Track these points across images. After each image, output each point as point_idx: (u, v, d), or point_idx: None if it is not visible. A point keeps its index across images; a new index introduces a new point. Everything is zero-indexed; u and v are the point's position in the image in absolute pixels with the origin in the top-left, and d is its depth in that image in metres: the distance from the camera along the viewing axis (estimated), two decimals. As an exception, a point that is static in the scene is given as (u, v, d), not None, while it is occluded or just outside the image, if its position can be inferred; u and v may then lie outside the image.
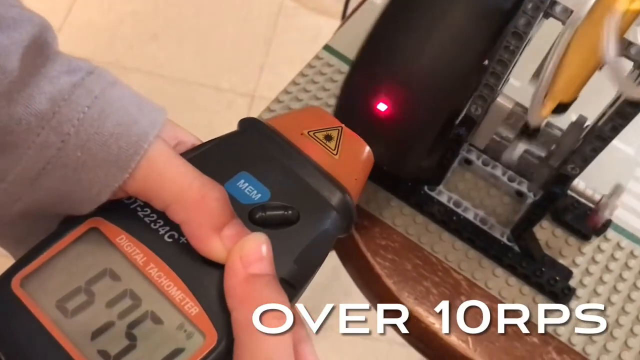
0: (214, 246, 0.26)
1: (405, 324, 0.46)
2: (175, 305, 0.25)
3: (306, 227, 0.28)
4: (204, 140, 0.32)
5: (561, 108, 0.38)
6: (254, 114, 0.36)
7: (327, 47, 0.55)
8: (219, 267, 0.26)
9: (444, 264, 0.47)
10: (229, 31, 1.24)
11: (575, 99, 0.37)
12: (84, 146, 0.25)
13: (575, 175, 0.40)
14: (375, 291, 0.48)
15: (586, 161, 0.39)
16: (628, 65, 0.34)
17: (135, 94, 0.27)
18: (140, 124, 0.26)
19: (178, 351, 0.25)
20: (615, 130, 0.36)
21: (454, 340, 0.45)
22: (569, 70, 0.35)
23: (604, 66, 0.34)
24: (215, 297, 0.26)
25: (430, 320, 0.45)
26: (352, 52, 0.55)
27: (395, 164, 0.44)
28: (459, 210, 0.49)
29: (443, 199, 0.49)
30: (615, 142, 0.53)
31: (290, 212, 0.28)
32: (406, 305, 0.46)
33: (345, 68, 0.55)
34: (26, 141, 0.25)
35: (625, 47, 0.33)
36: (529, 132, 0.41)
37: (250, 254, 0.26)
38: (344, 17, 0.77)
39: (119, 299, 0.26)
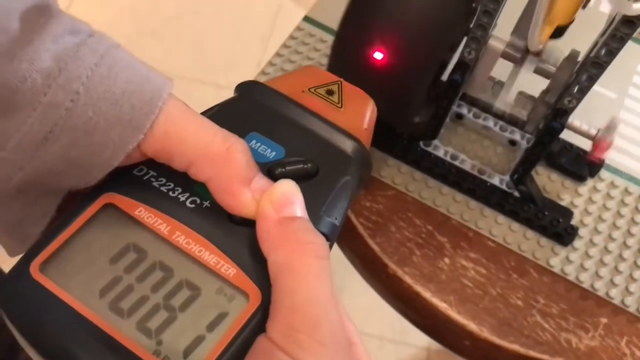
0: (245, 200, 0.25)
1: (386, 283, 0.46)
2: (211, 270, 0.24)
3: (327, 178, 0.28)
4: None
5: (558, 32, 0.38)
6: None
7: (307, 18, 0.55)
8: (250, 224, 0.25)
9: (427, 227, 0.47)
10: (228, 29, 1.23)
11: (571, 21, 0.38)
12: (95, 105, 0.24)
13: (573, 108, 0.41)
14: (358, 252, 0.47)
15: (582, 92, 0.40)
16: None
17: (139, 60, 0.26)
18: (153, 81, 0.25)
19: (222, 316, 0.23)
20: (611, 54, 0.37)
21: (435, 301, 0.45)
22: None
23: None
24: (251, 254, 0.24)
25: (412, 280, 0.45)
26: (332, 21, 0.55)
27: (395, 114, 0.44)
28: (457, 163, 0.49)
29: (439, 153, 0.49)
30: (599, 88, 0.55)
31: (309, 165, 0.27)
32: (388, 266, 0.45)
33: (327, 37, 0.55)
34: (32, 101, 0.23)
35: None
36: (527, 66, 0.42)
37: (281, 198, 0.25)
38: None
39: (149, 272, 0.24)
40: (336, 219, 0.27)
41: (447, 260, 0.46)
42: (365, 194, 0.48)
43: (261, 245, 0.24)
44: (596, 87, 0.55)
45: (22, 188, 0.25)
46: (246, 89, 0.30)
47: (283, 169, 0.27)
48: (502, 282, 0.46)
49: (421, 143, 0.49)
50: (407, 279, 0.45)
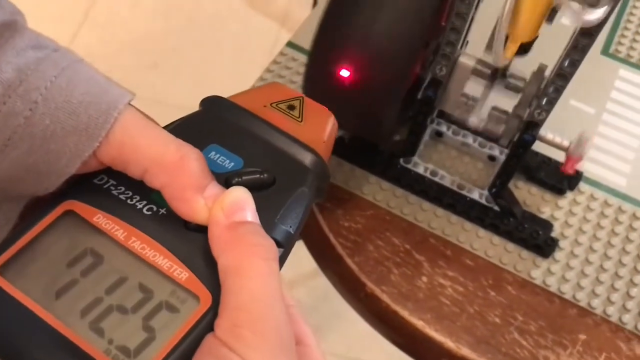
0: (197, 207, 0.26)
1: (364, 302, 0.46)
2: (164, 274, 0.25)
3: (283, 188, 0.29)
4: None
5: (524, 49, 0.39)
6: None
7: (289, 44, 0.57)
8: (203, 231, 0.26)
9: (405, 245, 0.48)
10: (227, 60, 1.26)
11: (535, 38, 0.39)
12: (53, 115, 0.25)
13: (543, 120, 0.42)
14: (337, 271, 0.48)
15: (551, 103, 0.41)
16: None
17: (102, 74, 0.28)
18: (110, 93, 0.26)
19: (173, 317, 0.24)
20: (574, 65, 0.38)
21: (413, 319, 0.45)
22: (524, 11, 0.37)
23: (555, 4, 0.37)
24: (204, 259, 0.25)
25: (390, 299, 0.46)
26: (314, 46, 0.57)
27: (367, 130, 0.46)
28: (436, 179, 0.50)
29: (420, 170, 0.50)
30: (577, 104, 0.56)
31: (265, 175, 0.29)
32: (367, 285, 0.46)
33: (310, 61, 0.56)
34: None
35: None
36: (497, 83, 0.43)
37: (232, 204, 0.26)
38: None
39: (105, 276, 0.25)
40: (291, 227, 0.28)
41: (424, 278, 0.47)
42: (344, 214, 0.49)
43: (212, 249, 0.25)
44: (575, 103, 0.56)
45: None
46: (210, 104, 0.31)
47: (240, 179, 0.28)
48: (479, 299, 0.46)
49: (401, 160, 0.50)
50: (385, 298, 0.46)
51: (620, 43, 0.60)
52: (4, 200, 0.27)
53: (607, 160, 0.53)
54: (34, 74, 0.25)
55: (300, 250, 0.50)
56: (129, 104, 0.27)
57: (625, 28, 0.61)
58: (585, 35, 0.36)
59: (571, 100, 0.56)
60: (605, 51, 0.59)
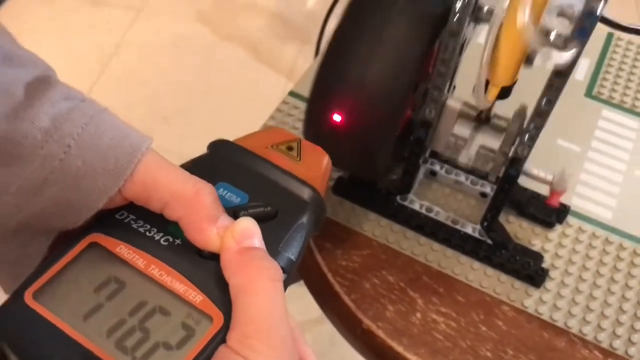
0: (211, 236, 0.29)
1: (361, 338, 0.49)
2: (180, 297, 0.28)
3: (285, 220, 0.32)
4: None
5: (505, 93, 0.43)
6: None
7: (292, 93, 0.61)
8: (214, 258, 0.29)
9: (400, 283, 0.50)
10: (236, 112, 1.31)
11: (514, 82, 0.43)
12: (84, 157, 0.29)
13: (526, 156, 0.45)
14: (335, 308, 0.51)
15: (532, 139, 0.44)
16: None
17: (123, 121, 0.31)
18: (133, 138, 0.30)
19: (189, 336, 0.27)
20: (550, 103, 0.41)
21: (408, 354, 0.47)
22: (502, 58, 0.41)
23: (531, 51, 0.40)
24: (215, 283, 0.29)
25: (385, 335, 0.48)
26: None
27: (361, 169, 0.49)
28: (432, 215, 0.53)
29: (415, 206, 0.53)
30: (564, 143, 0.59)
31: (269, 208, 0.32)
32: (363, 321, 0.48)
33: (311, 108, 0.60)
34: (31, 154, 0.28)
35: (540, 30, 0.39)
36: (482, 122, 0.46)
37: (241, 232, 0.29)
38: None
39: (127, 300, 0.28)
40: (292, 254, 0.31)
41: (419, 315, 0.49)
42: (342, 253, 0.52)
43: (224, 272, 0.29)
44: (562, 142, 0.59)
45: (20, 228, 0.30)
46: (217, 146, 0.35)
47: (246, 212, 0.31)
48: (471, 334, 0.48)
49: (398, 198, 0.53)
50: (381, 334, 0.48)
51: (602, 86, 0.64)
52: (38, 235, 0.31)
53: (593, 195, 0.56)
54: (67, 122, 0.29)
55: (305, 297, 0.53)
56: (149, 147, 0.30)
57: (607, 72, 0.65)
58: (559, 76, 0.40)
59: (558, 140, 0.59)
60: (589, 94, 0.63)
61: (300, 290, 0.54)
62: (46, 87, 0.29)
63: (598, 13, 0.36)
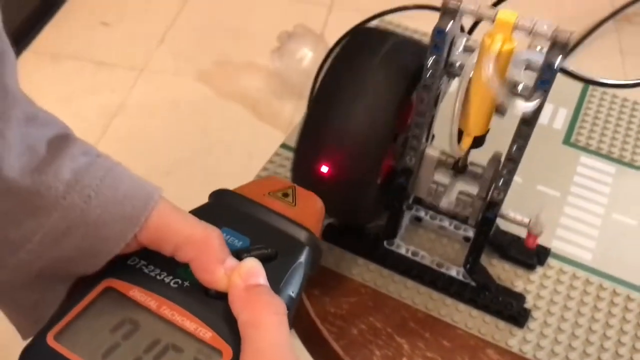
0: (219, 276, 0.32)
1: None
2: (191, 334, 0.31)
3: (284, 260, 0.35)
4: None
5: (478, 141, 0.46)
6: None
7: (283, 145, 0.64)
8: (221, 297, 0.32)
9: (387, 329, 0.52)
10: (236, 167, 1.34)
11: (487, 132, 0.46)
12: (103, 206, 0.31)
13: (502, 200, 0.48)
14: (324, 354, 0.52)
15: (506, 184, 0.47)
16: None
17: (135, 174, 0.35)
18: (146, 188, 0.33)
19: None
20: (520, 150, 0.44)
21: None
22: (473, 110, 0.44)
23: (499, 101, 0.43)
24: (223, 320, 0.31)
25: None
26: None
27: (346, 216, 0.52)
28: (417, 259, 0.55)
29: (402, 251, 0.56)
30: (544, 189, 0.62)
31: (269, 250, 0.35)
32: None
33: (302, 160, 0.63)
34: (54, 204, 0.30)
35: (508, 83, 0.43)
36: (459, 170, 0.49)
37: (247, 272, 0.32)
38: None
39: (142, 339, 0.31)
40: (292, 292, 0.34)
41: (405, 360, 0.51)
42: (330, 300, 0.53)
43: (232, 308, 0.31)
44: (542, 188, 0.62)
45: (41, 274, 0.32)
46: (218, 195, 0.38)
47: (248, 254, 0.34)
48: (456, 378, 0.50)
49: (385, 243, 0.56)
50: (368, 378, 0.49)
51: (580, 133, 0.67)
52: (57, 280, 0.33)
53: (573, 238, 0.58)
54: (87, 175, 0.32)
55: (294, 343, 0.55)
56: (161, 196, 0.33)
57: (584, 120, 0.68)
58: (526, 124, 0.43)
59: (539, 186, 0.62)
60: (567, 141, 0.66)
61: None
62: (66, 144, 0.32)
63: (556, 66, 0.39)
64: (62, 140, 0.32)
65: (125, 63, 1.49)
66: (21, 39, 1.44)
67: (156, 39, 1.54)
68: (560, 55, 0.40)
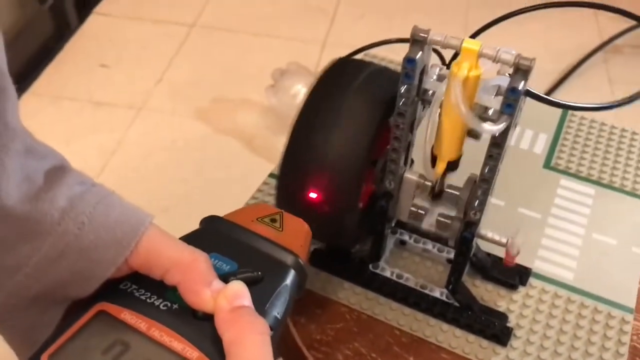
0: (206, 298, 0.34)
1: None
2: (179, 354, 0.32)
3: (270, 283, 0.37)
4: None
5: (452, 166, 0.48)
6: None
7: (271, 174, 0.66)
8: (208, 318, 0.34)
9: (372, 354, 0.53)
10: (233, 200, 1.36)
11: (460, 156, 0.48)
12: (96, 232, 0.33)
13: (479, 219, 0.50)
14: None
15: (482, 204, 0.49)
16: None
17: (128, 202, 0.37)
18: (137, 215, 0.35)
19: None
20: (492, 171, 0.46)
21: None
22: (445, 135, 0.46)
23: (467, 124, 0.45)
24: (209, 340, 0.33)
25: None
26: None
27: (332, 239, 0.53)
28: (402, 281, 0.57)
29: (387, 274, 0.57)
30: (525, 211, 0.64)
31: (255, 273, 0.37)
32: None
33: (290, 189, 0.65)
34: (50, 230, 0.32)
35: (477, 108, 0.45)
36: (436, 195, 0.51)
37: (232, 294, 0.34)
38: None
39: (132, 359, 0.32)
40: (278, 313, 0.36)
41: (389, 386, 0.52)
42: (316, 327, 0.55)
43: (218, 329, 0.33)
44: (523, 210, 0.64)
45: (37, 298, 0.34)
46: (208, 221, 0.41)
47: (235, 277, 0.36)
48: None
49: (370, 266, 0.57)
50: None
51: (559, 157, 0.69)
52: (53, 304, 0.35)
53: (554, 258, 0.60)
54: (81, 202, 0.34)
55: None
56: (151, 222, 0.35)
57: (563, 144, 0.70)
58: (495, 145, 0.45)
59: (519, 209, 0.64)
60: (547, 165, 0.68)
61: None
62: (62, 174, 0.35)
63: (519, 90, 0.42)
64: (58, 171, 0.35)
65: (123, 103, 1.52)
66: (22, 80, 1.48)
67: (154, 79, 1.58)
68: (523, 81, 0.42)
